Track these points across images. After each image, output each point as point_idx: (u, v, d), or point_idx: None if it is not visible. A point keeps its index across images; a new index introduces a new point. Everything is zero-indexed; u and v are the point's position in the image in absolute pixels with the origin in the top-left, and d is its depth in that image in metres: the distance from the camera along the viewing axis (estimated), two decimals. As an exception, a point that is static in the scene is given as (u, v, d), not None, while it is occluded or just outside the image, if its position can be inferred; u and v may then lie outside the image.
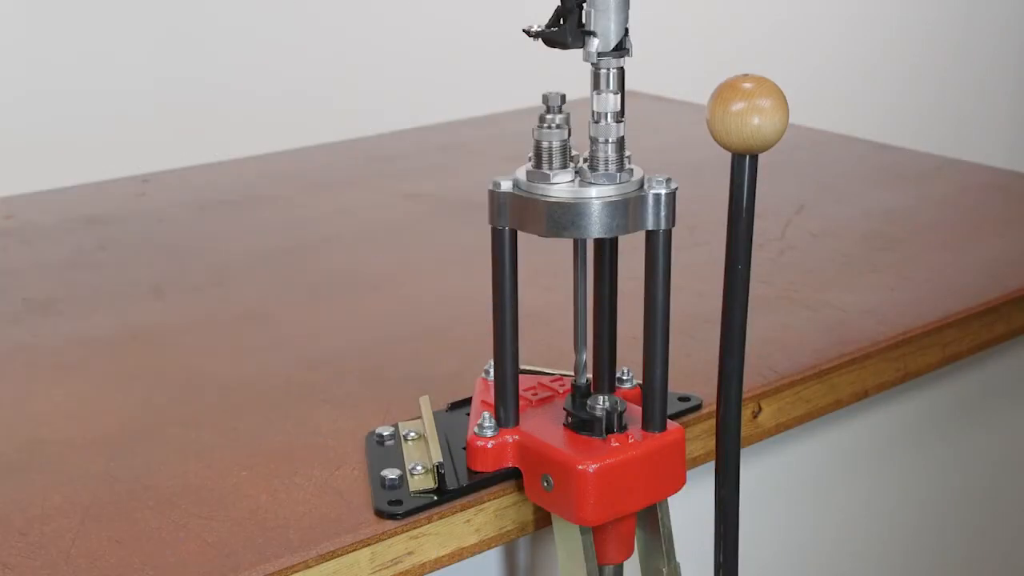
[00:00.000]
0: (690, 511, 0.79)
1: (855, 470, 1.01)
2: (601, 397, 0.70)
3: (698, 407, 0.80)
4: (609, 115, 0.66)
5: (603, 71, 0.66)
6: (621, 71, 0.66)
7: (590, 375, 0.72)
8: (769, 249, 1.08)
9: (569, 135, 0.67)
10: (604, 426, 0.69)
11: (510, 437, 0.71)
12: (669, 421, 0.70)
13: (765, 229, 1.13)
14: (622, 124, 0.66)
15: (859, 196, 1.24)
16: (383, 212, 1.22)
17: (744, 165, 0.66)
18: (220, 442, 0.77)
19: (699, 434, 0.79)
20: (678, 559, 0.74)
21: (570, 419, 0.71)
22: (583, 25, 0.65)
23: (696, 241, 1.10)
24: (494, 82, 1.81)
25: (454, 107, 1.61)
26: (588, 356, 0.72)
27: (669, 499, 0.72)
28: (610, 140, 0.66)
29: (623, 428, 0.69)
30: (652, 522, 0.73)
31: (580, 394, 0.72)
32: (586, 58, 0.66)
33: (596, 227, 0.65)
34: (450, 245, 1.13)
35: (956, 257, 1.06)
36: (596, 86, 0.66)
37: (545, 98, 0.67)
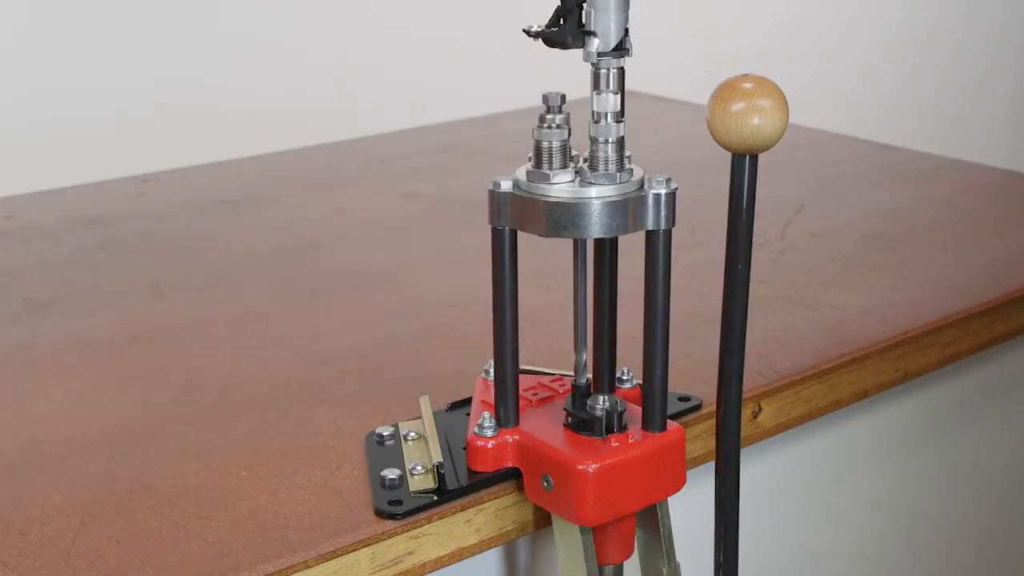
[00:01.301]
0: (690, 511, 0.79)
1: (855, 470, 1.01)
2: (601, 397, 0.70)
3: (698, 407, 0.80)
4: (609, 115, 0.66)
5: (603, 71, 0.66)
6: (621, 71, 0.66)
7: (590, 375, 0.72)
8: (769, 249, 1.08)
9: (569, 135, 0.67)
10: (604, 426, 0.69)
11: (510, 437, 0.71)
12: (669, 421, 0.70)
13: (765, 229, 1.13)
14: (622, 124, 0.66)
15: (859, 196, 1.24)
16: (383, 212, 1.22)
17: (744, 165, 0.66)
18: (220, 442, 0.77)
19: (699, 434, 0.79)
20: (678, 559, 0.74)
21: (570, 419, 0.71)
22: (583, 25, 0.65)
23: (696, 241, 1.10)
24: (494, 82, 1.81)
25: (454, 107, 1.61)
26: (588, 356, 0.72)
27: (669, 499, 0.72)
28: (610, 140, 0.66)
29: (623, 428, 0.69)
30: (652, 522, 0.73)
31: (580, 394, 0.72)
32: (586, 58, 0.66)
33: (596, 227, 0.65)
34: (450, 245, 1.13)
35: (956, 257, 1.06)
36: (596, 86, 0.66)
37: (545, 98, 0.67)
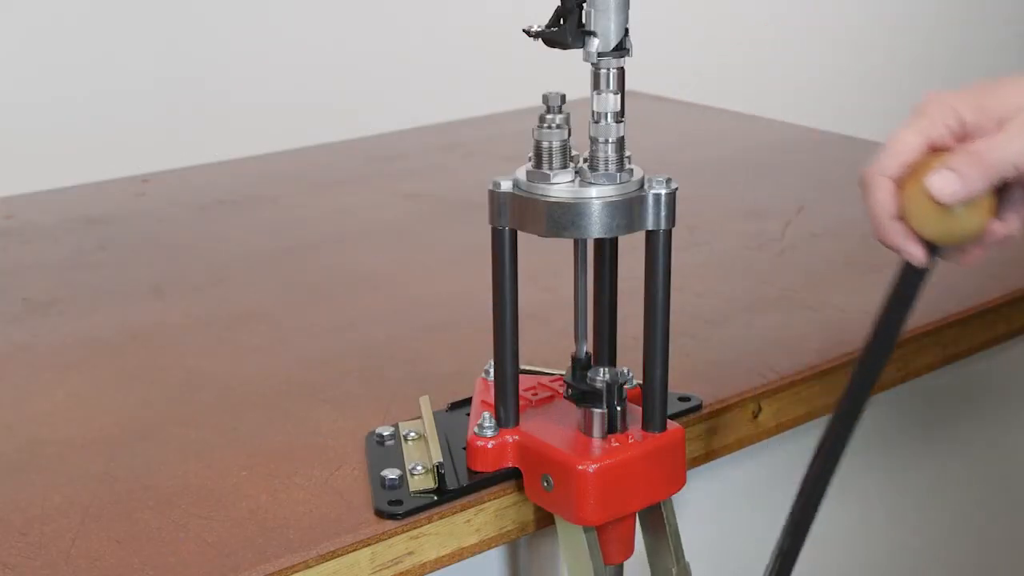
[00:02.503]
0: (690, 511, 0.79)
1: (855, 470, 1.01)
2: (602, 369, 0.70)
3: (698, 407, 0.80)
4: (609, 115, 0.66)
5: (603, 71, 0.66)
6: (621, 71, 0.66)
7: (590, 349, 0.72)
8: (769, 249, 1.08)
9: (569, 135, 0.67)
10: (605, 398, 0.68)
11: (510, 437, 0.71)
12: (669, 421, 0.70)
13: (765, 229, 1.13)
14: (622, 124, 0.66)
15: (859, 196, 1.24)
16: (383, 212, 1.22)
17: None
18: (220, 442, 0.77)
19: (699, 434, 0.79)
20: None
21: (570, 391, 0.70)
22: (583, 25, 0.65)
23: (696, 241, 1.10)
24: (494, 82, 1.81)
25: (454, 107, 1.61)
26: (588, 346, 0.72)
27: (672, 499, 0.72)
28: (610, 140, 0.66)
29: (623, 401, 0.69)
30: (657, 522, 0.73)
31: (580, 367, 0.71)
32: (586, 58, 0.66)
33: (596, 227, 0.65)
34: (450, 245, 1.12)
35: (956, 257, 1.06)
36: (596, 86, 0.66)
37: (545, 98, 0.67)
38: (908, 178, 0.61)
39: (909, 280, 0.63)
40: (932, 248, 0.62)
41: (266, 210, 1.23)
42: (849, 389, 0.65)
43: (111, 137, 1.56)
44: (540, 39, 0.66)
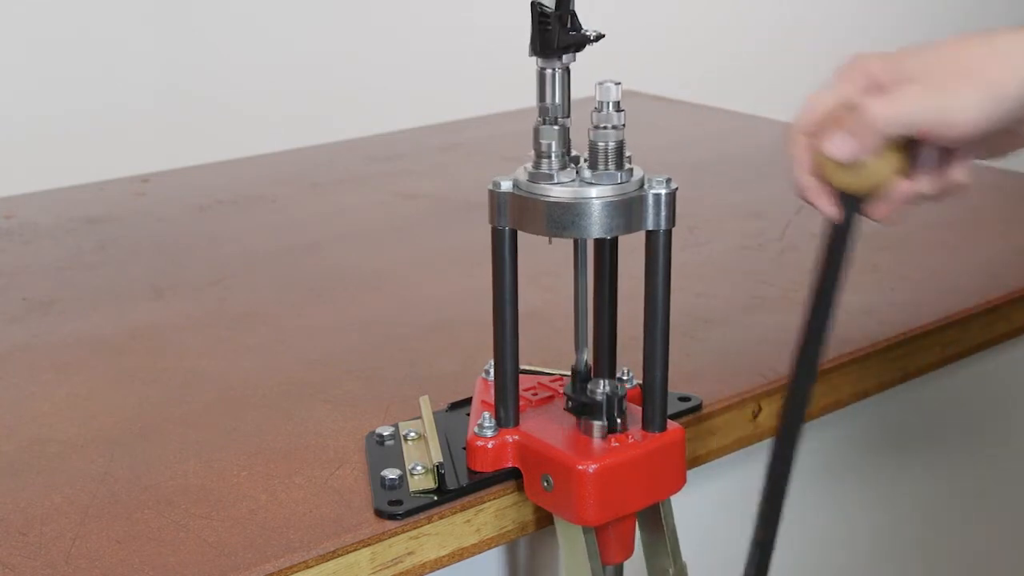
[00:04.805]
0: (691, 511, 0.79)
1: (855, 470, 1.01)
2: (602, 381, 0.70)
3: (698, 407, 0.80)
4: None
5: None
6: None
7: (590, 360, 0.72)
8: (769, 249, 1.08)
9: (569, 135, 0.67)
10: (605, 410, 0.68)
11: (510, 437, 0.71)
12: (669, 421, 0.70)
13: (765, 229, 1.13)
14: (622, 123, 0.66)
15: (859, 196, 1.24)
16: (383, 212, 1.22)
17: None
18: (220, 442, 0.77)
19: (699, 434, 0.79)
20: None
21: (570, 403, 0.70)
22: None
23: (696, 241, 1.10)
24: (494, 82, 1.81)
25: (454, 107, 1.61)
26: (588, 355, 0.72)
27: (671, 499, 0.72)
28: (610, 140, 0.66)
29: (623, 413, 0.69)
30: (655, 522, 0.73)
31: (580, 379, 0.71)
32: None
33: (596, 227, 0.65)
34: (450, 245, 1.12)
35: (956, 257, 1.06)
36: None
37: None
38: (820, 135, 0.65)
39: (836, 237, 0.66)
40: (849, 202, 0.65)
41: (266, 210, 1.24)
42: (797, 357, 0.68)
43: (111, 137, 1.56)
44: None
